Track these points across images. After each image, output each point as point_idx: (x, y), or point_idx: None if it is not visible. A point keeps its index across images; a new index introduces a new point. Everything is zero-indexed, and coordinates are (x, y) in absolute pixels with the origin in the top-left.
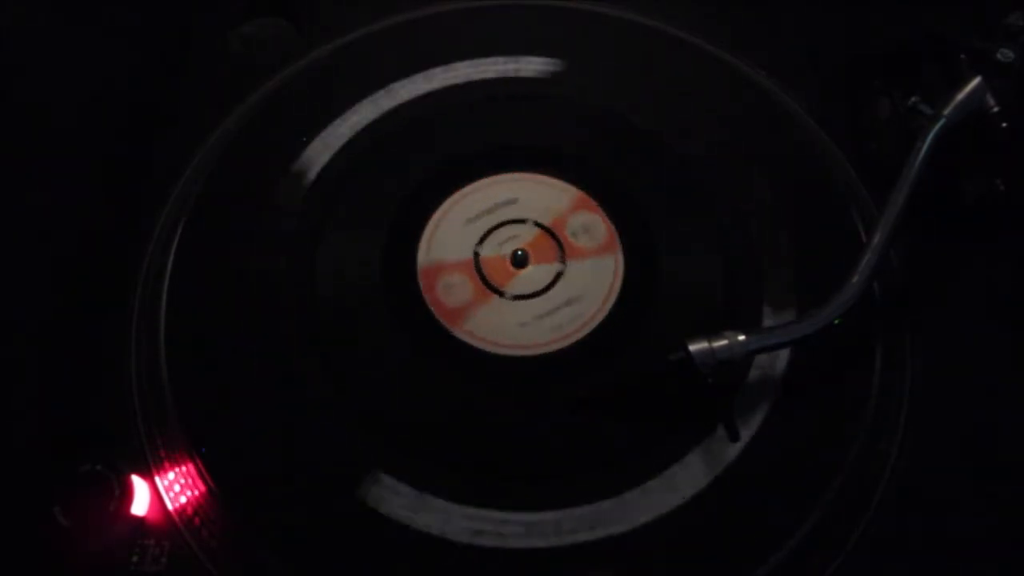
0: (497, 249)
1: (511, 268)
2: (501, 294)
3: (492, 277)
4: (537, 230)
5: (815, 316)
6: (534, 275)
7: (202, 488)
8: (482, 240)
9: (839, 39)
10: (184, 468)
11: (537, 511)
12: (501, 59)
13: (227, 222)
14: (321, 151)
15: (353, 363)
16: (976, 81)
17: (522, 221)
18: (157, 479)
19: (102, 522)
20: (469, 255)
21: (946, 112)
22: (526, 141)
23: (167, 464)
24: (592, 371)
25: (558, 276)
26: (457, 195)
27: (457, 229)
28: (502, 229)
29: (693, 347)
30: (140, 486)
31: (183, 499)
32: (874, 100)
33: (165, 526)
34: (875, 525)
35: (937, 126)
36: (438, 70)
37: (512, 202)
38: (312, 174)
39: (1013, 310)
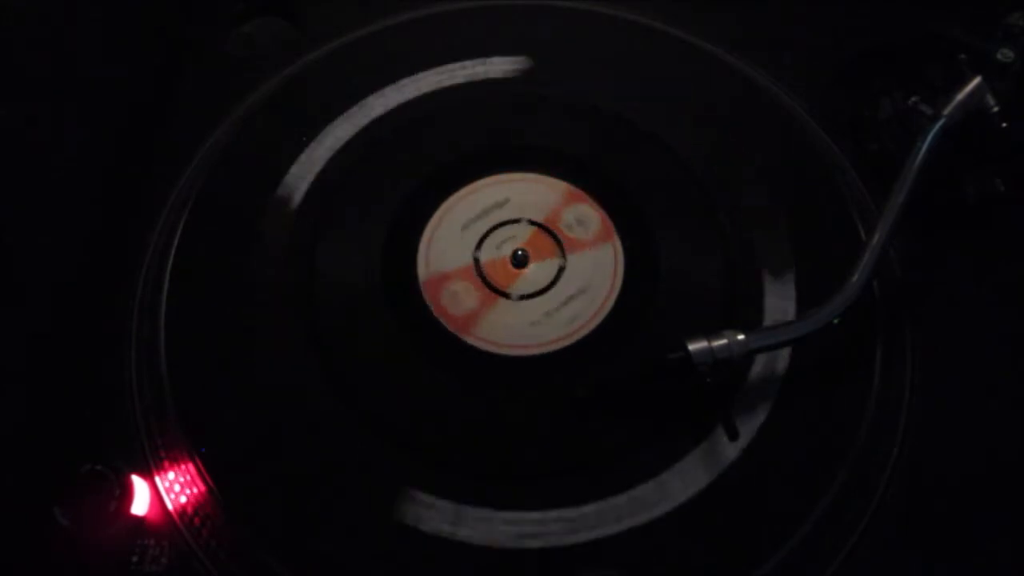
0: (496, 251)
1: (513, 269)
2: (507, 296)
3: (495, 280)
4: (533, 228)
5: (815, 316)
6: (537, 273)
7: (202, 488)
8: (479, 244)
9: (839, 39)
10: (184, 468)
11: (536, 510)
12: (470, 62)
13: (227, 222)
14: (310, 164)
15: (355, 366)
16: (976, 81)
17: (516, 221)
18: (157, 479)
19: (102, 522)
20: (469, 261)
21: (946, 112)
22: (507, 141)
23: (167, 464)
24: (594, 369)
25: (560, 271)
26: (446, 204)
27: (453, 237)
28: (498, 231)
29: (692, 346)
30: (140, 486)
31: (183, 499)
32: (874, 100)
33: (165, 526)
34: (875, 525)
35: (937, 126)
36: (405, 81)
37: (503, 204)
38: (306, 183)
39: (1013, 310)
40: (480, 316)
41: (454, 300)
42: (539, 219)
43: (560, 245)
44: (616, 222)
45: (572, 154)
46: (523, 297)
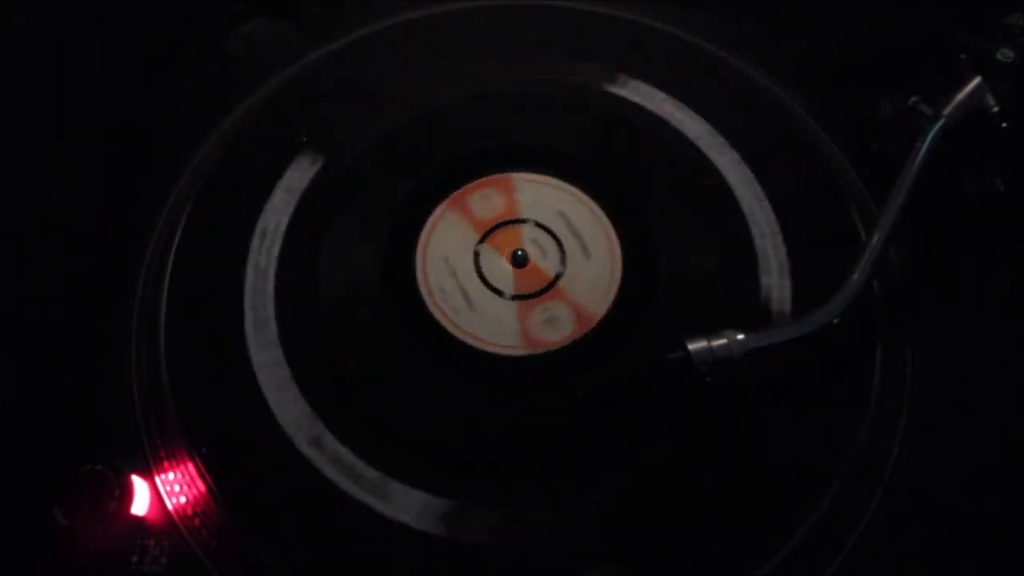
0: (497, 249)
1: (511, 268)
2: (500, 294)
3: (492, 278)
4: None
5: (815, 316)
6: (534, 275)
7: (202, 488)
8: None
9: (839, 39)
10: (184, 468)
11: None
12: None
13: (227, 222)
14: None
15: (354, 366)
16: (976, 81)
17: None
18: (157, 479)
19: (102, 522)
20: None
21: (946, 112)
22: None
23: (167, 464)
24: (594, 369)
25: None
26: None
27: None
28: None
29: (692, 346)
30: (140, 486)
31: (183, 499)
32: (874, 100)
33: (165, 526)
34: (875, 525)
35: (937, 126)
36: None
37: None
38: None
39: (1013, 310)
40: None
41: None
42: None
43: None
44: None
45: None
46: (516, 298)
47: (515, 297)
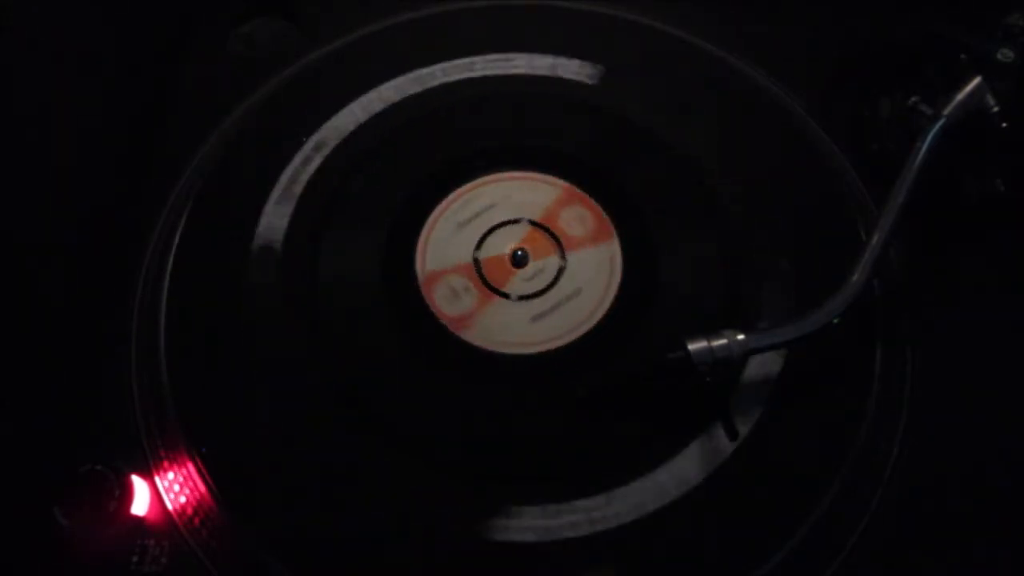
0: (496, 251)
1: (512, 268)
2: (506, 296)
3: (494, 279)
4: (532, 228)
5: (815, 316)
6: (536, 273)
7: (202, 488)
8: (479, 244)
9: (839, 39)
10: (184, 468)
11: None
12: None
13: (227, 222)
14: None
15: (354, 366)
16: (976, 81)
17: (516, 221)
18: (157, 479)
19: (102, 522)
20: (468, 260)
21: (946, 112)
22: (505, 141)
23: (167, 464)
24: (594, 369)
25: (560, 271)
26: (444, 203)
27: (451, 236)
28: (498, 231)
29: (692, 346)
30: (140, 486)
31: (183, 499)
32: (874, 100)
33: (165, 526)
34: (875, 525)
35: (937, 126)
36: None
37: (501, 203)
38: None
39: (1013, 310)
40: (477, 315)
41: (452, 298)
42: (538, 219)
43: (560, 245)
44: (616, 222)
45: (572, 154)
46: (522, 297)
47: (515, 297)
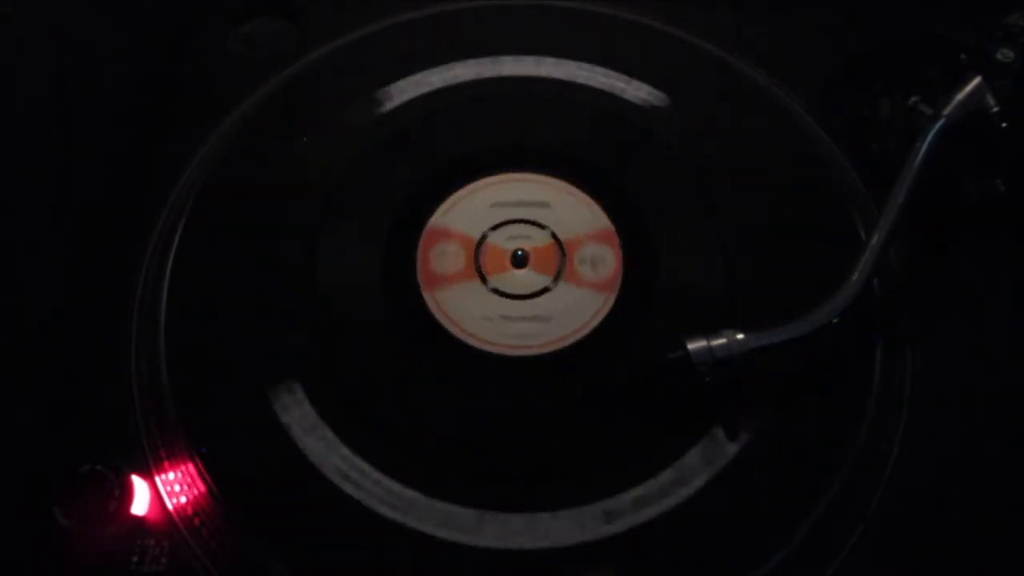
0: (504, 241)
1: (511, 268)
2: (501, 294)
3: (485, 263)
4: (537, 230)
5: (814, 316)
6: (524, 279)
7: (202, 488)
8: (482, 240)
9: (839, 39)
10: (184, 468)
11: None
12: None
13: (227, 222)
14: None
15: (355, 366)
16: (976, 81)
17: (542, 226)
18: (157, 479)
19: (102, 522)
20: (477, 235)
21: (946, 112)
22: (522, 141)
23: (167, 464)
24: (594, 369)
25: (558, 276)
26: (455, 196)
27: (480, 207)
28: (519, 225)
29: (692, 346)
30: (140, 486)
31: (183, 499)
32: (874, 100)
33: (165, 526)
34: (875, 525)
35: (937, 126)
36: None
37: (543, 205)
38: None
39: (1013, 310)
40: (450, 283)
41: (440, 257)
42: (562, 236)
43: (562, 269)
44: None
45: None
46: (496, 292)
47: (515, 297)
